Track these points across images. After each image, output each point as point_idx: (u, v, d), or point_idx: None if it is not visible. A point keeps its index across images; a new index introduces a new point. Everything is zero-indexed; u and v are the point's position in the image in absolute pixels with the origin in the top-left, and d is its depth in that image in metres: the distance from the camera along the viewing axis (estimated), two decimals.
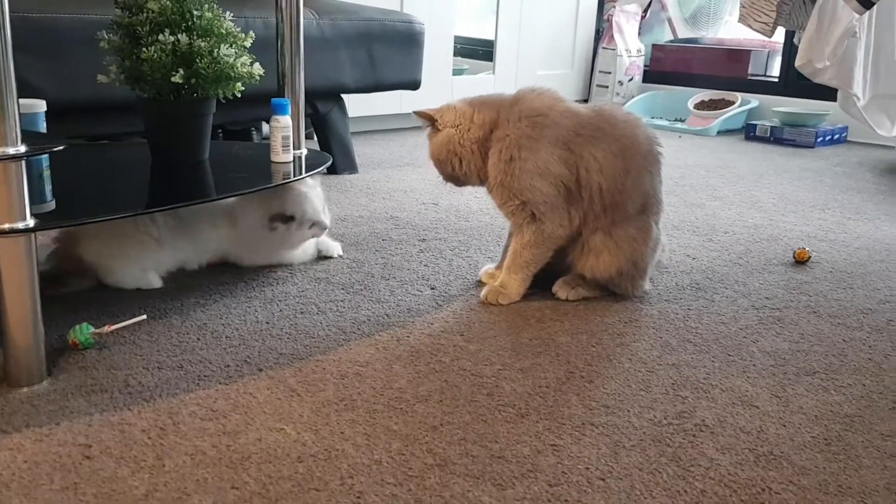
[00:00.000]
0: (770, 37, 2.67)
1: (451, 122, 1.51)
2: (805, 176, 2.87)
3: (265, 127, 2.91)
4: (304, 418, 1.07)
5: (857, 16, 2.39)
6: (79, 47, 1.85)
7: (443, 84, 3.53)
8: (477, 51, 4.14)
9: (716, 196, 2.49)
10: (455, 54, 3.68)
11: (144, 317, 1.31)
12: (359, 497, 0.91)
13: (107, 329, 1.27)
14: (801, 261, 1.82)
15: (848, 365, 1.30)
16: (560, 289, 1.54)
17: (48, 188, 1.27)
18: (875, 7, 2.33)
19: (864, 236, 2.07)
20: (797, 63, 2.54)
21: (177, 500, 0.89)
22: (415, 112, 1.54)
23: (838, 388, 1.21)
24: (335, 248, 1.75)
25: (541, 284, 1.55)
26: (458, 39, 3.71)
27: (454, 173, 1.54)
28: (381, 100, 3.19)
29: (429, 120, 1.54)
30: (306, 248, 1.70)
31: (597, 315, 1.47)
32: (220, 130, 2.58)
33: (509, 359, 1.28)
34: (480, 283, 1.61)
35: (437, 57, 3.42)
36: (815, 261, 1.84)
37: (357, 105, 3.04)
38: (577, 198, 1.48)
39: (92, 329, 1.26)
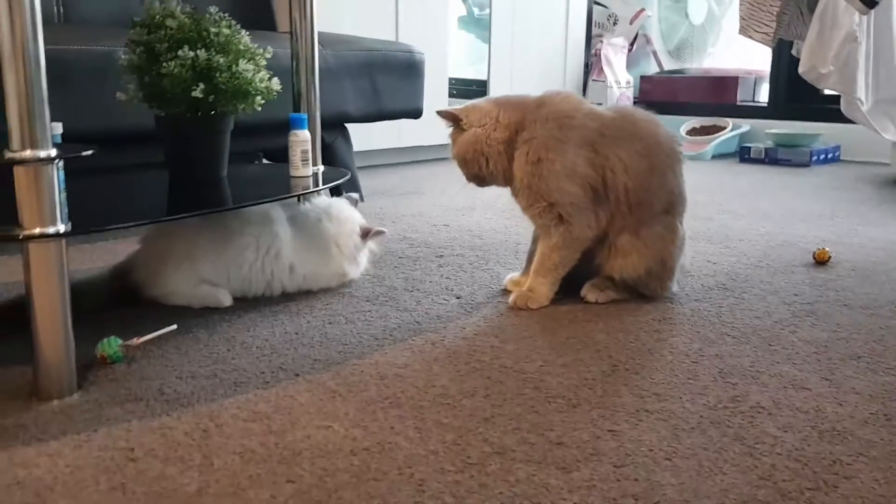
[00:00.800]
0: (772, 46, 2.70)
1: (476, 121, 1.50)
2: (806, 191, 2.88)
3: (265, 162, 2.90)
4: (349, 416, 1.04)
5: (857, 21, 2.43)
6: (86, 79, 1.84)
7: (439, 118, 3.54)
8: (471, 90, 4.18)
9: (723, 210, 2.49)
10: (449, 96, 3.69)
11: (175, 327, 1.28)
12: (420, 485, 0.87)
13: (136, 341, 1.24)
14: (821, 261, 1.81)
15: (891, 349, 1.28)
16: (589, 291, 1.52)
17: (64, 211, 1.24)
18: (873, 11, 2.37)
19: (878, 239, 2.07)
20: (800, 69, 2.57)
21: (232, 495, 0.85)
22: (438, 112, 1.53)
23: (886, 370, 1.19)
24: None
25: (567, 290, 1.53)
26: (452, 81, 3.74)
27: (480, 173, 1.53)
28: (379, 133, 3.20)
29: (453, 120, 1.53)
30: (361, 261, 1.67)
31: (629, 315, 1.45)
32: None
33: (549, 356, 1.25)
34: (506, 292, 1.59)
35: (433, 91, 3.43)
36: (834, 261, 1.84)
37: (355, 139, 3.03)
38: (603, 198, 1.46)
39: (120, 342, 1.22)
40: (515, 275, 1.63)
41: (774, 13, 2.47)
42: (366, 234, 1.64)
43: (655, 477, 0.89)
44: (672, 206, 1.50)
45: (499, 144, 1.49)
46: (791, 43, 2.86)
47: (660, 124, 1.52)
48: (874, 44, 2.63)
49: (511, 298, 1.51)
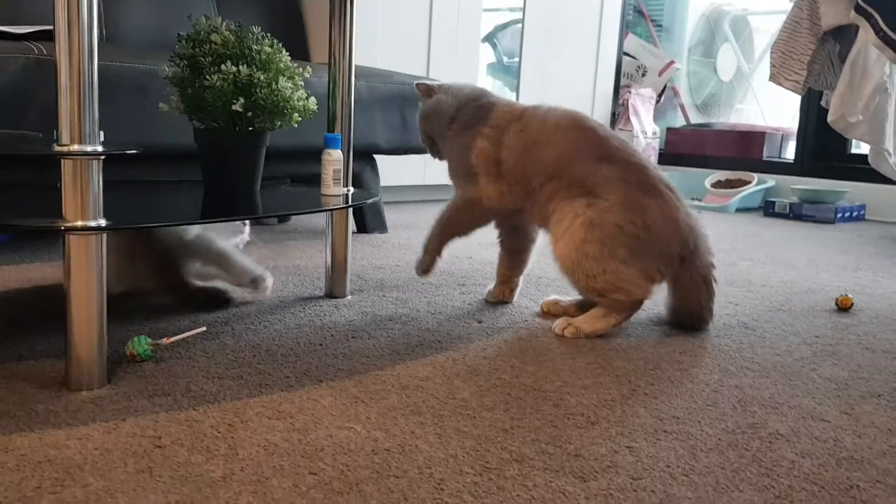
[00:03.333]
0: (801, 94, 2.71)
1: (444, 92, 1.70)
2: (830, 244, 2.88)
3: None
4: (371, 420, 1.05)
5: (888, 71, 2.45)
6: (127, 95, 1.90)
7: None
8: None
9: (746, 257, 2.50)
10: None
11: (204, 329, 1.31)
12: (439, 484, 0.88)
13: (165, 341, 1.26)
14: (844, 307, 1.82)
15: None
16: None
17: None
18: None
19: None
20: (829, 118, 2.59)
21: (256, 483, 0.87)
22: (417, 84, 1.74)
23: None
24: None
25: None
26: None
27: (433, 135, 1.72)
28: (405, 170, 3.25)
29: (429, 93, 1.72)
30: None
31: (650, 346, 1.46)
32: None
33: (569, 378, 1.26)
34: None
35: None
36: (857, 308, 1.84)
37: (381, 174, 3.07)
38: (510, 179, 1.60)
39: (150, 341, 1.25)
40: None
41: (805, 62, 2.50)
42: None
43: (672, 490, 0.89)
44: (577, 180, 1.53)
45: (449, 117, 1.67)
46: (820, 96, 2.88)
47: (555, 111, 1.66)
48: None
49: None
